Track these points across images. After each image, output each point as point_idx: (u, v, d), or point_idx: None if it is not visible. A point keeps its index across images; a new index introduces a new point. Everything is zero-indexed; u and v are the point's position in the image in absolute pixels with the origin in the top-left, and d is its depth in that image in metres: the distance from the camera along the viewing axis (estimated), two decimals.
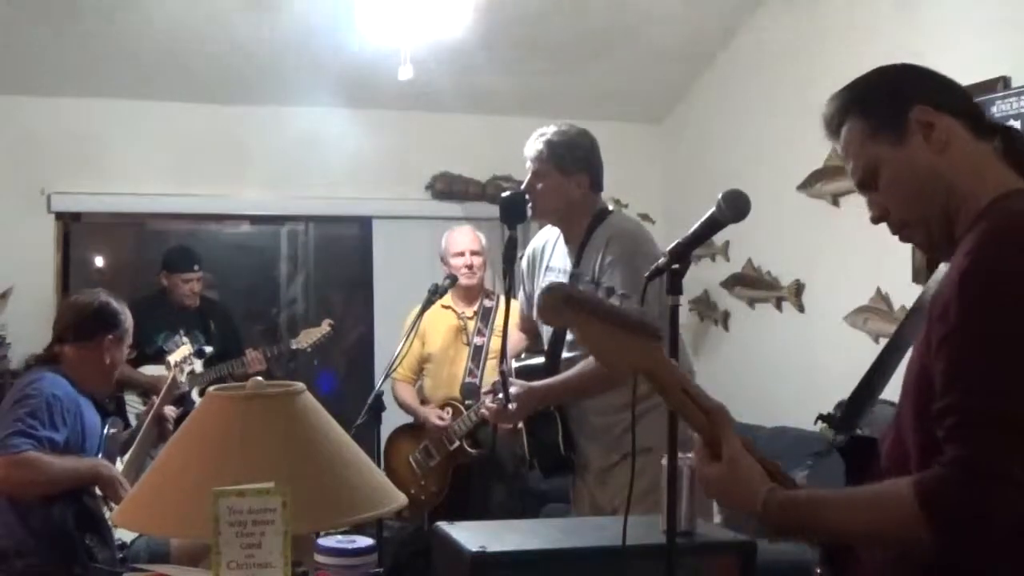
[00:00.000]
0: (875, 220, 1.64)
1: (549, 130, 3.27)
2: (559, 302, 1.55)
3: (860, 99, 1.62)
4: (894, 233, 1.63)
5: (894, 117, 1.57)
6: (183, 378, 4.11)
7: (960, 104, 1.59)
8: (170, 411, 3.81)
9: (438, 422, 4.44)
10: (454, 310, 4.63)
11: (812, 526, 1.52)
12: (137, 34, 4.94)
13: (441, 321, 4.61)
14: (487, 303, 4.63)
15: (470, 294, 4.63)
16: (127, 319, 3.45)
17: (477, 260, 4.59)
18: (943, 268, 1.61)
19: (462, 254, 4.58)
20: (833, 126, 1.65)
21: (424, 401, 4.66)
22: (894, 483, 1.43)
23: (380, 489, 1.93)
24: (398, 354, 4.04)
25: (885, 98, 1.60)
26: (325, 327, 5.15)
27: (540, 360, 3.33)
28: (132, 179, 5.51)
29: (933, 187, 1.55)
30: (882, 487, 1.46)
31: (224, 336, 5.27)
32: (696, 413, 1.59)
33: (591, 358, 3.12)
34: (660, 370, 1.59)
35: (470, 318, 4.60)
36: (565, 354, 3.24)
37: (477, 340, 4.55)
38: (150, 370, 4.83)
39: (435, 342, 4.62)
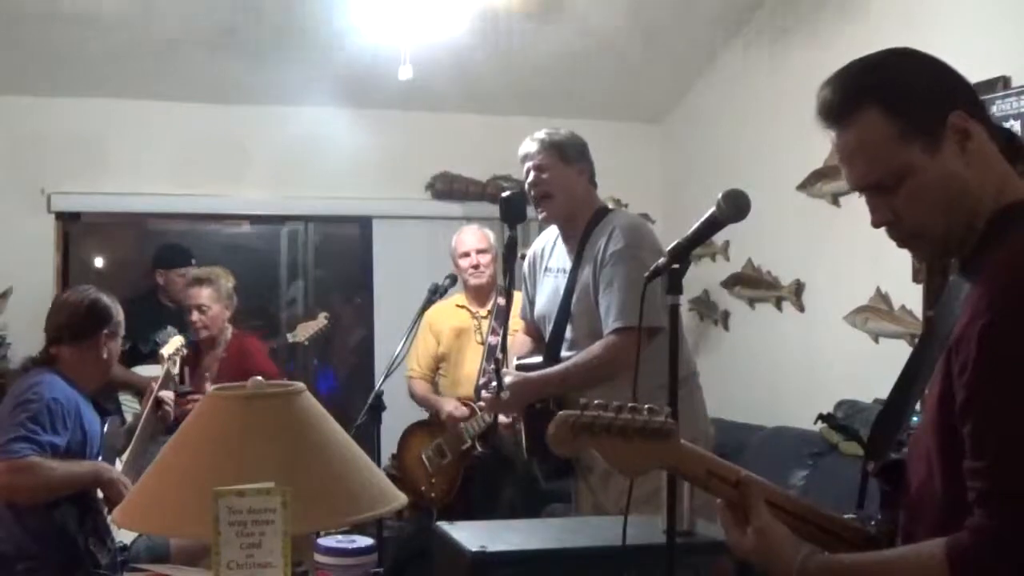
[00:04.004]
0: (879, 224, 1.51)
1: (540, 131, 3.29)
2: (569, 431, 1.51)
3: (891, 92, 1.46)
4: (898, 240, 1.52)
5: (931, 121, 1.44)
6: (176, 370, 4.11)
7: (980, 106, 1.49)
8: (167, 395, 3.81)
9: (454, 412, 4.45)
10: (468, 310, 4.66)
11: None
12: (137, 34, 4.94)
13: (455, 321, 4.65)
14: (500, 301, 4.64)
15: (481, 293, 4.65)
16: (118, 311, 3.44)
17: (484, 258, 4.60)
18: (962, 286, 1.50)
19: (467, 254, 4.60)
20: (841, 114, 1.49)
21: None
22: (927, 547, 1.39)
23: (380, 489, 1.93)
24: (398, 353, 4.05)
25: (923, 97, 1.46)
26: (322, 320, 5.15)
27: (539, 359, 3.33)
28: (132, 179, 5.51)
29: (961, 201, 1.45)
30: (914, 551, 1.42)
31: None
32: (724, 489, 1.57)
33: (587, 350, 3.13)
34: (684, 463, 1.57)
35: (484, 317, 4.61)
36: (564, 352, 3.24)
37: (491, 339, 4.56)
38: (145, 370, 4.82)
39: (449, 342, 4.66)
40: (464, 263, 4.59)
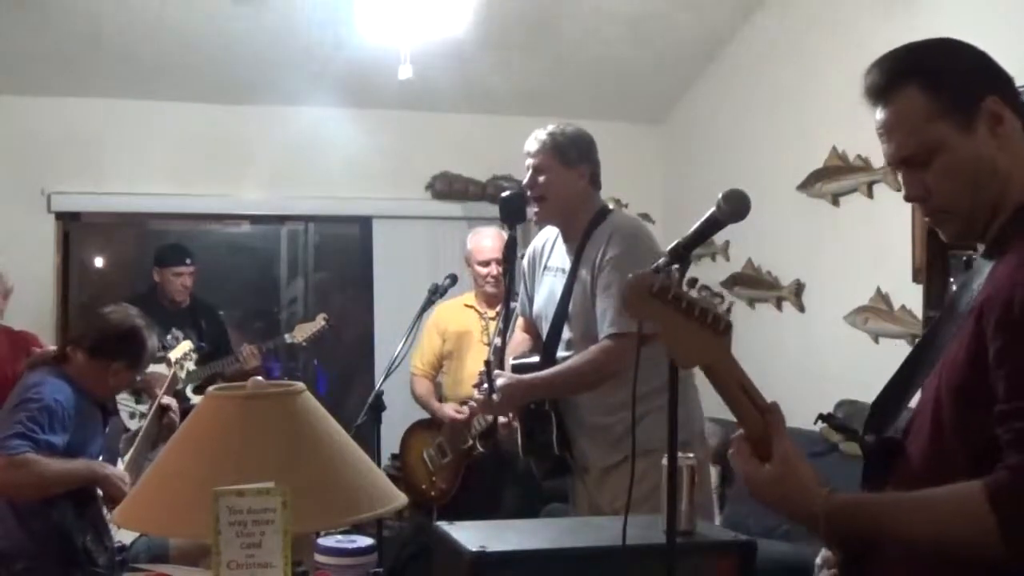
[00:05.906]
0: (910, 199, 1.57)
1: (548, 127, 3.28)
2: (642, 293, 1.51)
3: (931, 72, 1.53)
4: (927, 216, 1.59)
5: (967, 102, 1.50)
6: (182, 374, 4.12)
7: (1018, 98, 1.54)
8: (171, 401, 3.81)
9: (455, 415, 4.46)
10: (476, 310, 4.67)
11: (875, 531, 1.46)
12: (137, 34, 4.95)
13: (463, 321, 4.67)
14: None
15: (493, 297, 4.65)
16: (149, 352, 3.41)
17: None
18: (983, 267, 1.55)
19: (488, 263, 4.60)
20: (884, 91, 1.55)
21: (443, 399, 4.72)
22: (962, 487, 1.38)
23: (380, 489, 1.93)
24: (398, 353, 4.06)
25: (961, 79, 1.52)
26: (320, 321, 5.15)
27: (535, 359, 3.32)
28: (132, 179, 5.51)
29: (989, 182, 1.50)
30: (949, 490, 1.40)
31: (214, 335, 5.29)
32: (750, 411, 1.57)
33: (580, 354, 3.12)
34: (725, 366, 1.57)
35: (492, 318, 4.62)
36: (561, 352, 3.23)
37: (498, 340, 4.57)
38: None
39: (456, 341, 4.68)
40: (483, 271, 4.60)
